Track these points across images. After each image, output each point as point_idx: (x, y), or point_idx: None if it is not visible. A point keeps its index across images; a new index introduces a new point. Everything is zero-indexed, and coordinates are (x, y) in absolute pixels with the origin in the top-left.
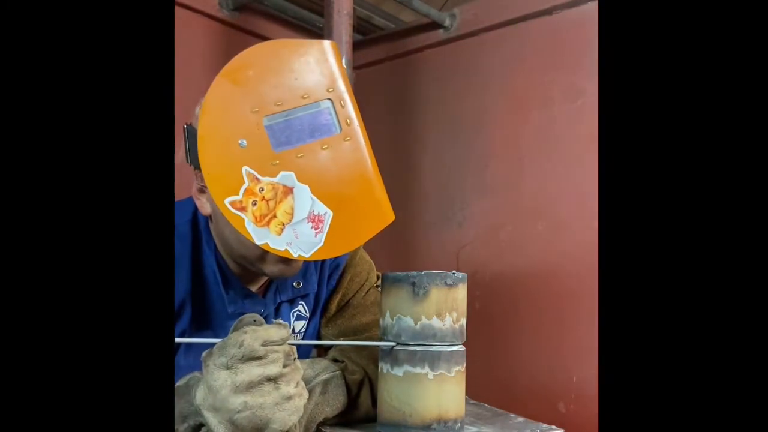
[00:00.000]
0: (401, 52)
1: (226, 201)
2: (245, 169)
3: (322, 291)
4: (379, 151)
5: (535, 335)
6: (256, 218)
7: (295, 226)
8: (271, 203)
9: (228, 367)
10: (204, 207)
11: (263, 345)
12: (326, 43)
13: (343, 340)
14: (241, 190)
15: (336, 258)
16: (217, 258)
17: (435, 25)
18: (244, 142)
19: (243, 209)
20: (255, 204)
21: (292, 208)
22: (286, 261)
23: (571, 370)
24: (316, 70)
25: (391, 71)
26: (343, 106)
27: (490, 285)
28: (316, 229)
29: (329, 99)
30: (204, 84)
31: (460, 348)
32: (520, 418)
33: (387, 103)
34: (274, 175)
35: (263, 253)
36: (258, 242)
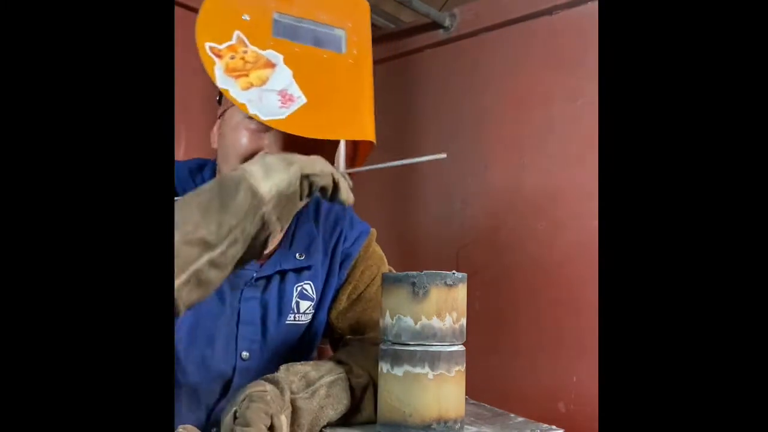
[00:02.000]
0: (401, 52)
1: (207, 44)
2: (237, 32)
3: (333, 277)
4: (378, 151)
5: (535, 335)
6: (227, 67)
7: (263, 91)
8: (248, 65)
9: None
10: (215, 142)
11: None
12: (368, 5)
13: (353, 335)
14: (224, 45)
15: (348, 246)
16: None
17: (435, 25)
18: (248, 17)
19: (219, 56)
20: (233, 58)
21: (267, 78)
22: None
23: (571, 370)
24: (347, 11)
25: (391, 71)
26: (355, 42)
27: (490, 285)
28: (282, 104)
29: (345, 31)
30: (204, 84)
31: (460, 348)
32: (520, 418)
33: (386, 103)
34: (263, 50)
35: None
36: (220, 85)
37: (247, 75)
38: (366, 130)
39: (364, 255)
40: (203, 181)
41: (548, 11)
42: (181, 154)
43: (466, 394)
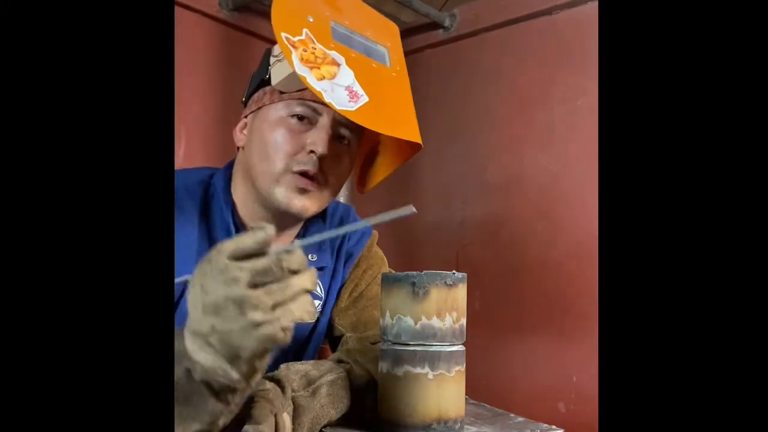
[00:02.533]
0: None
1: (282, 34)
2: (305, 30)
3: (338, 275)
4: None
5: (535, 335)
6: (302, 58)
7: (334, 84)
8: (319, 60)
9: (201, 287)
10: (241, 140)
11: (231, 258)
12: (398, 29)
13: (353, 332)
14: (297, 38)
15: (352, 245)
16: (234, 218)
17: (435, 25)
18: (312, 18)
19: (294, 47)
20: (305, 51)
21: (336, 74)
22: (298, 190)
23: (571, 370)
24: (385, 32)
25: None
26: (395, 61)
27: (490, 285)
28: (351, 99)
29: (387, 48)
30: (204, 84)
31: (460, 348)
32: (520, 418)
33: None
34: (328, 50)
35: (283, 171)
36: (298, 71)
37: (318, 68)
38: (417, 134)
39: (367, 254)
40: (215, 191)
41: (548, 11)
42: (181, 154)
43: (466, 394)
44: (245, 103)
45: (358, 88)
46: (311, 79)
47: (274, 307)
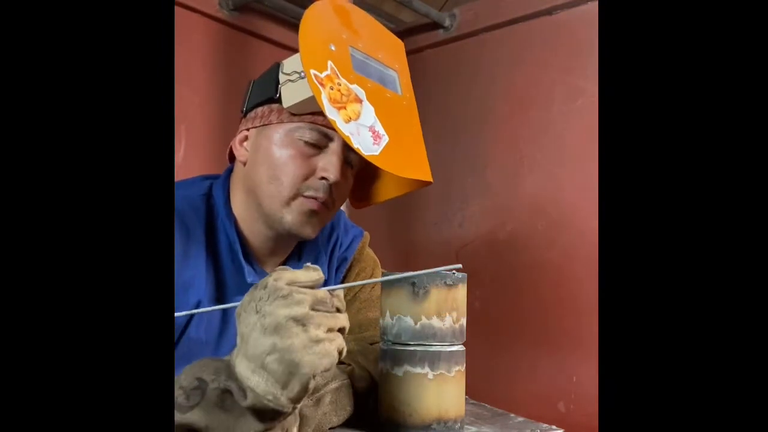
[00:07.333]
0: None
1: (312, 71)
2: (330, 62)
3: (330, 282)
4: None
5: (535, 335)
6: (330, 98)
7: (359, 125)
8: (344, 98)
9: (257, 311)
10: (243, 155)
11: (288, 284)
12: (402, 44)
13: (349, 335)
14: (324, 74)
15: (344, 251)
16: (238, 231)
17: (435, 25)
18: (333, 47)
19: (322, 84)
20: (332, 89)
21: (360, 114)
22: (308, 214)
23: (571, 370)
24: (394, 50)
25: None
26: (404, 84)
27: (490, 285)
28: (374, 141)
29: (396, 71)
30: (204, 84)
31: (460, 348)
32: (520, 418)
33: None
34: (350, 84)
35: (294, 195)
36: (329, 115)
37: (345, 108)
38: (428, 171)
39: (359, 257)
40: (215, 205)
41: (548, 11)
42: (181, 154)
43: (466, 394)
44: (244, 113)
45: (379, 127)
46: (340, 123)
47: (329, 331)
